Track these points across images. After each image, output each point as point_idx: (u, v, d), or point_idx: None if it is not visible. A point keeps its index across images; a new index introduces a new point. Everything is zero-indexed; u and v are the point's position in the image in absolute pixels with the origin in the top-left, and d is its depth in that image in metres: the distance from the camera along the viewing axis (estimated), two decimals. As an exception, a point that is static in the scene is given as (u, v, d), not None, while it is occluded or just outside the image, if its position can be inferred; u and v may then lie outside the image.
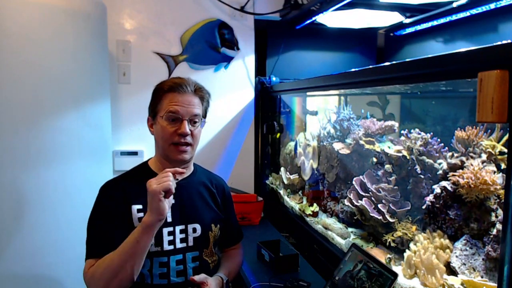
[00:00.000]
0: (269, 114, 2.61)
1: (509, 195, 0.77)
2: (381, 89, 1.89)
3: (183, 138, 1.23)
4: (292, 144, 2.43)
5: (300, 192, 2.26)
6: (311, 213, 1.92)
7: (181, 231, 1.27)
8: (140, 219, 1.20)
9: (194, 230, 1.29)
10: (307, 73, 2.77)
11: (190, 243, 1.28)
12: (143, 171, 1.31)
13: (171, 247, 1.24)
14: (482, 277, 1.08)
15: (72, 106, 1.77)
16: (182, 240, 1.26)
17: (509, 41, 0.76)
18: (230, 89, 2.56)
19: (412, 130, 1.48)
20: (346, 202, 1.58)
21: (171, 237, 1.24)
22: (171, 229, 1.25)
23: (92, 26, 1.87)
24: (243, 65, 2.58)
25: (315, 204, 1.96)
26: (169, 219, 1.25)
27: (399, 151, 1.50)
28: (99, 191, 1.27)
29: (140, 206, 1.23)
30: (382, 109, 2.23)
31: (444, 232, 1.25)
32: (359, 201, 1.50)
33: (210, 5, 2.47)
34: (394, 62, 1.17)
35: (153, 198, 1.10)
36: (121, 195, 1.24)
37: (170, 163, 1.28)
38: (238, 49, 2.53)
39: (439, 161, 1.38)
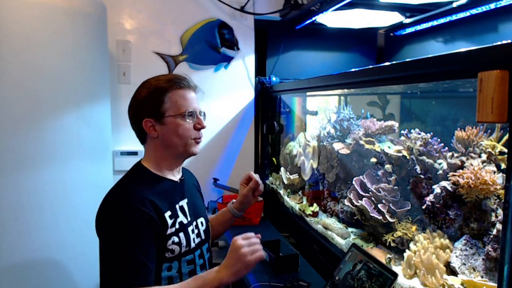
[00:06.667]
0: (269, 114, 2.61)
1: (509, 195, 0.77)
2: (381, 89, 1.90)
3: (199, 132, 1.25)
4: (292, 144, 2.43)
5: (300, 192, 2.26)
6: (311, 213, 1.92)
7: (195, 227, 1.29)
8: (172, 225, 1.17)
9: (202, 223, 1.33)
10: (307, 73, 2.78)
11: (203, 237, 1.31)
12: (152, 177, 1.24)
13: (193, 244, 1.25)
14: (482, 277, 1.08)
15: (72, 106, 1.77)
16: (197, 235, 1.28)
17: (509, 41, 0.76)
18: (230, 89, 2.56)
19: (412, 130, 1.48)
20: (346, 202, 1.58)
21: (194, 235, 1.26)
22: (192, 227, 1.27)
23: (92, 26, 1.87)
24: (243, 65, 2.58)
25: (315, 204, 1.96)
26: (189, 218, 1.26)
27: (399, 151, 1.50)
28: (126, 208, 1.10)
29: (169, 213, 1.19)
30: (382, 109, 2.23)
31: (444, 232, 1.25)
32: (359, 201, 1.50)
33: (210, 5, 2.47)
34: (394, 62, 1.17)
35: (245, 268, 1.07)
36: (152, 206, 1.14)
37: (178, 160, 1.28)
38: (238, 49, 2.53)
39: (439, 161, 1.38)
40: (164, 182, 1.25)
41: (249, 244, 1.07)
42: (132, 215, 1.09)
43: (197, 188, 1.46)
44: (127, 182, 1.22)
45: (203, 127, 1.25)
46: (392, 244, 1.36)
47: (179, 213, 1.23)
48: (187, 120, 1.21)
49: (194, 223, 1.29)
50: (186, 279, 1.18)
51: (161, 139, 1.22)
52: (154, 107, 1.20)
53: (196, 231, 1.28)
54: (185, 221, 1.24)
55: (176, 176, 1.30)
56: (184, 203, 1.28)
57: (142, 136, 1.26)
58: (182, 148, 1.24)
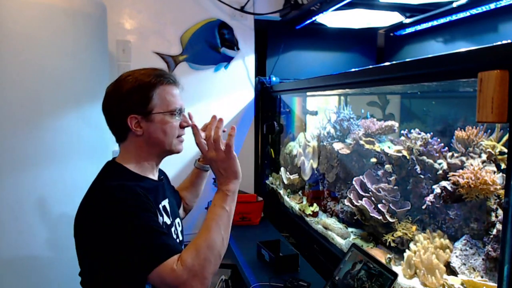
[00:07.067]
0: (269, 114, 2.61)
1: (509, 195, 0.77)
2: (381, 89, 1.90)
3: (183, 130, 1.21)
4: (292, 144, 2.43)
5: (300, 192, 2.26)
6: (311, 213, 1.92)
7: (175, 228, 1.26)
8: (162, 224, 1.13)
9: (179, 224, 1.30)
10: (307, 73, 2.77)
11: (180, 238, 1.29)
12: (133, 176, 1.17)
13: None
14: (482, 277, 1.08)
15: (72, 106, 1.76)
16: (177, 237, 1.26)
17: (509, 41, 0.76)
18: (230, 89, 2.56)
19: (412, 130, 1.48)
20: (346, 202, 1.58)
21: (174, 236, 1.23)
22: (173, 228, 1.24)
23: (92, 26, 1.87)
24: (243, 65, 2.58)
25: (315, 204, 1.96)
26: (171, 219, 1.22)
27: (399, 151, 1.50)
28: (123, 195, 1.02)
29: (156, 211, 1.13)
30: (382, 109, 2.23)
31: (444, 232, 1.25)
32: (359, 201, 1.50)
33: (210, 5, 2.47)
34: (394, 62, 1.17)
35: (234, 162, 1.10)
36: (146, 198, 1.06)
37: (160, 158, 1.23)
38: (238, 49, 2.53)
39: (439, 161, 1.38)
40: (146, 181, 1.17)
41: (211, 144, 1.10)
42: (131, 198, 1.02)
43: (172, 188, 1.43)
44: (109, 180, 1.11)
45: (189, 125, 1.19)
46: (392, 244, 1.36)
47: (163, 213, 1.19)
48: (176, 117, 1.17)
49: (174, 224, 1.25)
50: None
51: (146, 136, 1.15)
52: (142, 103, 1.12)
53: (176, 232, 1.25)
54: (168, 222, 1.20)
55: (155, 175, 1.24)
56: (166, 203, 1.23)
57: (122, 133, 1.17)
58: (168, 147, 1.18)
